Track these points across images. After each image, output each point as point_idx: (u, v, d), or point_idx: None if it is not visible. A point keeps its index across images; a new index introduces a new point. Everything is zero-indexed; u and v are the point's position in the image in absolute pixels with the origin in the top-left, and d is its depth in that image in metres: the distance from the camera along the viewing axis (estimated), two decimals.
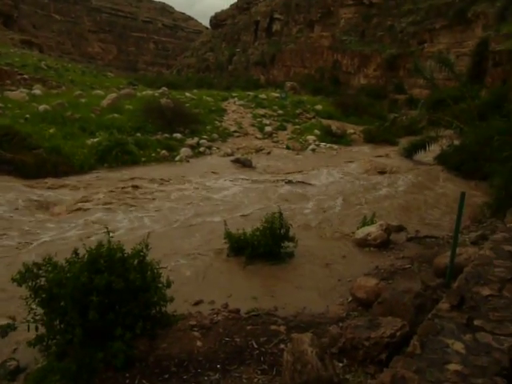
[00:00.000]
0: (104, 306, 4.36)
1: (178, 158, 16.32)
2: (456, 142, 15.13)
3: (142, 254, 4.87)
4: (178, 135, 18.73)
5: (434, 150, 16.42)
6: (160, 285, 4.94)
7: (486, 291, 2.95)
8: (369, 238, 7.85)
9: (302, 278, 6.72)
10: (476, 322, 2.55)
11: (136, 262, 4.80)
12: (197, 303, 5.79)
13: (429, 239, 8.28)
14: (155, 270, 4.99)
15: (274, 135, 21.69)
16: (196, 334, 4.82)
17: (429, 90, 29.92)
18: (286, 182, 13.17)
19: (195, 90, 30.97)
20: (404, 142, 19.90)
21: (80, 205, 10.16)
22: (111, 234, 4.73)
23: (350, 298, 5.84)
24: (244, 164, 15.47)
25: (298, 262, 7.29)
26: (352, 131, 24.05)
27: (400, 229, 8.96)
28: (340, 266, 7.07)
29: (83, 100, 22.10)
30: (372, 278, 6.14)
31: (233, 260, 7.19)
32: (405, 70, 42.92)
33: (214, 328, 5.01)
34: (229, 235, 7.36)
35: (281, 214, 7.41)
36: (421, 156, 17.19)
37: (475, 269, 3.38)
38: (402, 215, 10.39)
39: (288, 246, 7.49)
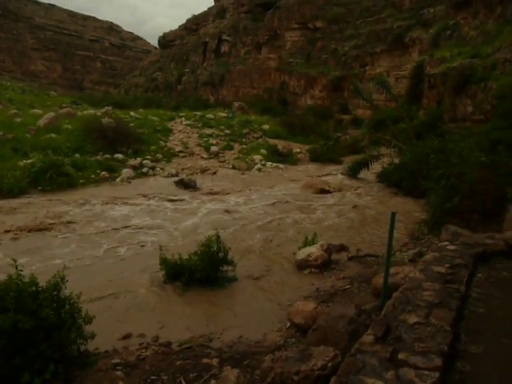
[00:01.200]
0: (9, 349, 3.89)
1: (118, 180, 15.67)
2: (396, 161, 15.58)
3: (57, 287, 4.44)
4: (120, 156, 18.06)
5: (377, 168, 16.85)
6: (80, 320, 4.51)
7: (412, 318, 2.81)
8: (310, 258, 7.72)
9: (240, 303, 6.44)
10: (400, 355, 2.38)
11: (50, 296, 4.35)
12: (125, 337, 5.34)
13: (369, 258, 8.28)
14: (76, 304, 4.57)
15: (221, 155, 21.50)
16: (119, 373, 4.40)
17: (371, 111, 30.96)
18: (225, 203, 13.02)
19: (141, 110, 30.33)
20: (348, 160, 20.32)
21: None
22: (19, 267, 4.26)
23: (288, 324, 5.62)
24: (188, 185, 15.08)
25: (238, 286, 7.01)
26: (298, 150, 24.36)
27: (341, 248, 8.93)
28: (280, 289, 6.86)
29: (18, 119, 20.90)
30: (311, 301, 5.97)
31: (168, 287, 6.78)
32: (349, 91, 44.43)
33: (140, 365, 4.61)
34: (164, 261, 6.98)
35: (218, 236, 7.13)
36: (364, 174, 17.57)
37: (404, 293, 3.25)
38: (346, 233, 10.40)
39: (227, 270, 7.21)
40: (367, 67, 44.60)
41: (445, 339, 2.54)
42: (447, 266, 3.92)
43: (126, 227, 10.33)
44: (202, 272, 6.75)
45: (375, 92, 24.31)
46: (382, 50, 42.85)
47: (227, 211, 12.12)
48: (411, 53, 39.34)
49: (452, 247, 4.57)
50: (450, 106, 25.50)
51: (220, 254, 7.10)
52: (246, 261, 8.05)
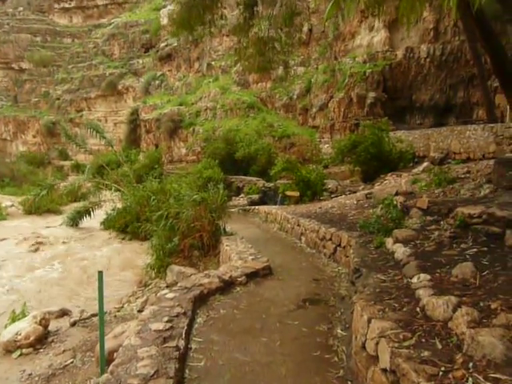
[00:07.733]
0: None
1: None
2: (119, 205, 15.11)
3: None
4: None
5: (102, 213, 15.92)
6: None
7: None
8: (19, 337, 6.26)
9: None
10: None
11: None
12: None
13: (95, 318, 7.39)
14: None
15: None
16: None
17: (93, 156, 29.98)
18: None
19: None
20: (70, 209, 18.67)
21: None
22: None
23: None
24: None
25: None
26: (9, 203, 21.18)
27: (63, 313, 7.71)
28: None
29: None
30: None
31: None
32: None
33: None
34: None
35: None
36: (89, 222, 16.32)
37: (114, 373, 2.68)
38: (68, 294, 9.15)
39: None
40: (84, 112, 43.46)
41: None
42: (165, 319, 3.57)
43: None
44: None
45: (94, 137, 23.59)
46: (97, 95, 42.64)
47: None
48: (126, 99, 40.57)
49: (171, 295, 4.29)
50: (167, 148, 27.21)
51: None
52: None
